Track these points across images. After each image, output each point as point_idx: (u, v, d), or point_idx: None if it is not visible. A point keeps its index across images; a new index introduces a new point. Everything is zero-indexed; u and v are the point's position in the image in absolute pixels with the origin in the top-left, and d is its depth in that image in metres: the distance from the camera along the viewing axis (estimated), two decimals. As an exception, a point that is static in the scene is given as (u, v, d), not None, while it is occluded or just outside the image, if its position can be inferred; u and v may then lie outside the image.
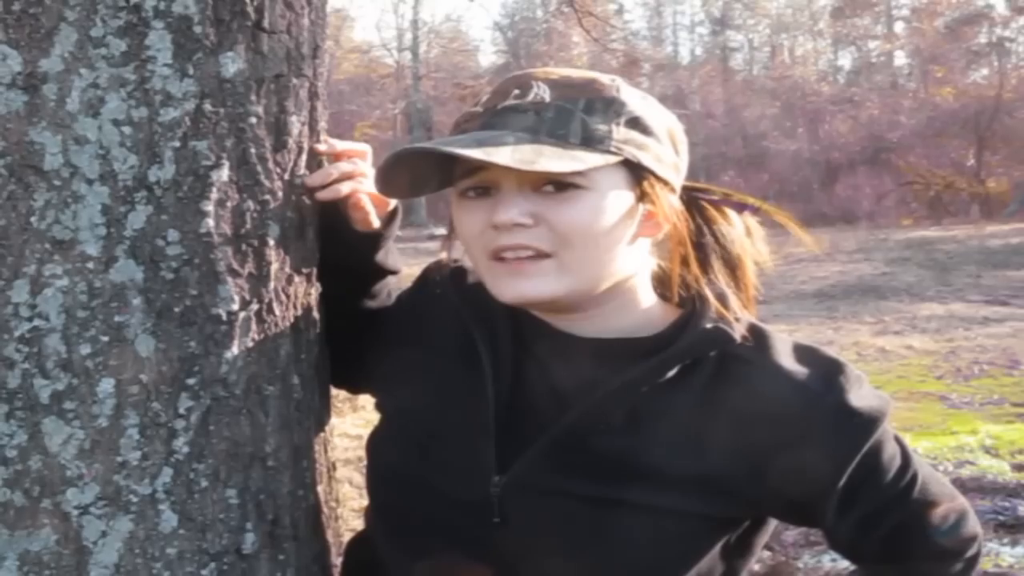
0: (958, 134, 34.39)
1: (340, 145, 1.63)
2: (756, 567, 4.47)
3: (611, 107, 1.40)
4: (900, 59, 48.07)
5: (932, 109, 35.86)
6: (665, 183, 1.45)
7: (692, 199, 1.57)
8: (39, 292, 1.33)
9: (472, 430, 1.45)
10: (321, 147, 1.60)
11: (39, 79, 1.33)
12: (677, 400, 1.40)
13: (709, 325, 1.43)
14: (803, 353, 1.45)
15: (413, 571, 1.49)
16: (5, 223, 1.32)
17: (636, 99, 1.44)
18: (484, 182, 1.41)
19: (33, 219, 1.33)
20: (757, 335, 1.46)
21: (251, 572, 1.48)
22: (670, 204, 1.46)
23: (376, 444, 1.59)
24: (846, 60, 52.54)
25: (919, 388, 9.21)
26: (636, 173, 1.41)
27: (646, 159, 1.41)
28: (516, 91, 1.41)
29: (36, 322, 1.33)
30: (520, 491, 1.41)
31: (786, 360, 1.43)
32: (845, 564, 4.23)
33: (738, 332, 1.43)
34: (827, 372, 1.42)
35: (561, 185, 1.37)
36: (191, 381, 1.41)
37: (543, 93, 1.40)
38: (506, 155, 1.31)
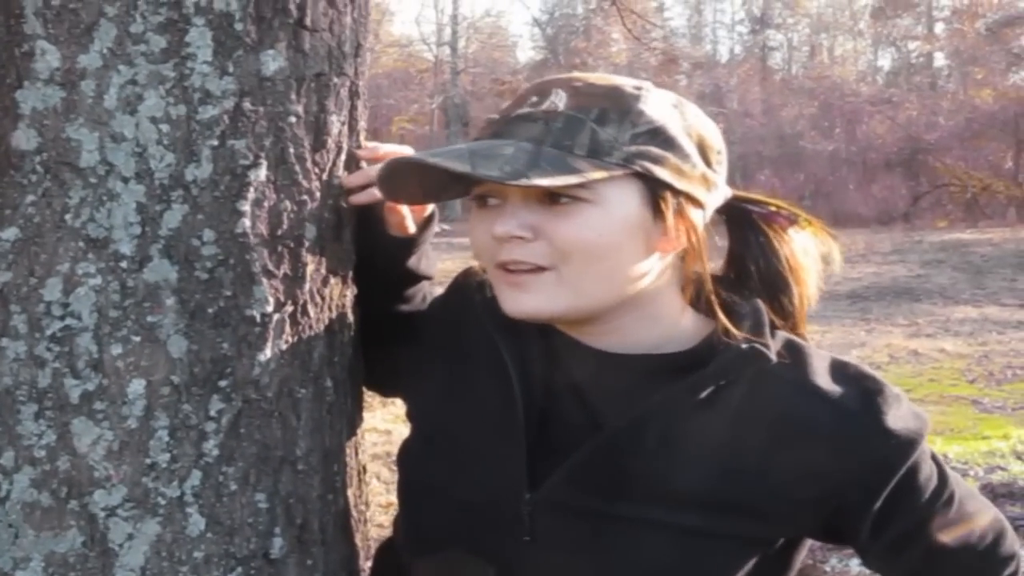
0: (996, 136, 34.08)
1: (382, 148, 1.61)
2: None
3: (627, 117, 1.34)
4: (940, 60, 47.87)
5: (971, 111, 35.56)
6: (688, 197, 1.39)
7: (742, 211, 1.54)
8: (72, 291, 1.33)
9: (502, 445, 1.43)
10: (363, 152, 1.58)
11: (77, 75, 1.32)
12: (710, 419, 1.37)
13: (744, 345, 1.38)
14: (841, 370, 1.42)
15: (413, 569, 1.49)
16: (39, 220, 1.32)
17: (662, 108, 1.38)
18: (491, 191, 1.38)
19: (67, 217, 1.32)
20: (793, 352, 1.43)
21: (278, 577, 1.46)
22: (689, 221, 1.39)
23: (406, 455, 1.57)
24: (885, 61, 52.45)
25: (951, 392, 9.14)
26: (652, 187, 1.35)
27: (662, 173, 1.34)
28: (534, 98, 1.37)
29: (68, 321, 1.33)
30: (550, 509, 1.39)
31: (822, 379, 1.40)
32: (874, 571, 4.21)
33: (774, 350, 1.39)
34: (864, 391, 1.39)
35: (565, 198, 1.33)
36: (223, 383, 1.40)
37: (558, 101, 1.35)
38: (494, 168, 1.27)
